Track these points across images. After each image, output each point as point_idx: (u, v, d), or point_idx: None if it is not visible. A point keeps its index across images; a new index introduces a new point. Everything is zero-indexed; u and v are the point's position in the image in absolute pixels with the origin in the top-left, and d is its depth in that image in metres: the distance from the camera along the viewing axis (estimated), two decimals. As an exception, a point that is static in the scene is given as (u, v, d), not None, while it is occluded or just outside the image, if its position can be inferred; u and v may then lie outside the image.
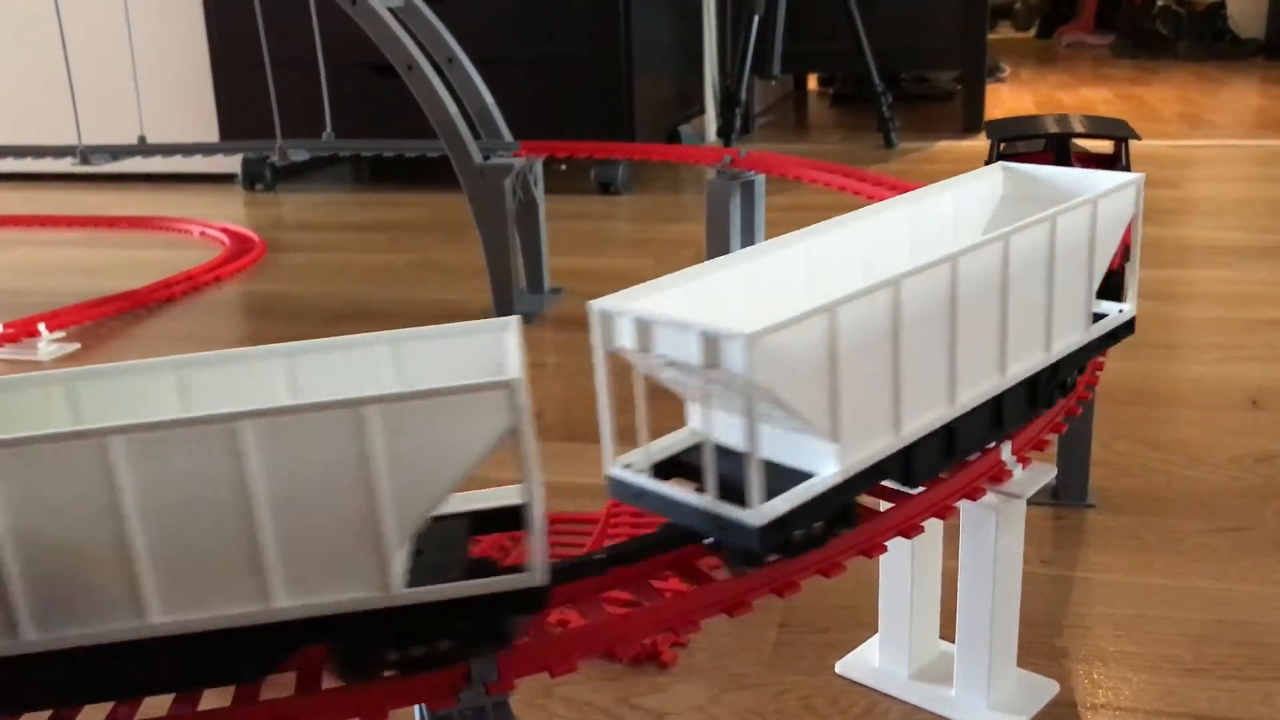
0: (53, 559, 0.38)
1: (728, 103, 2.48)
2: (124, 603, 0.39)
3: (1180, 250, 1.49)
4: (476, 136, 1.33)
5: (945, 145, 2.49)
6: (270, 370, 0.46)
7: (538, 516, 0.41)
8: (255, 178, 2.26)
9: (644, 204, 1.97)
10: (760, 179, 1.18)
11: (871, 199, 1.05)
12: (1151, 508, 0.81)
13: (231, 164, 2.33)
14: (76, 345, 1.25)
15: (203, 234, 1.85)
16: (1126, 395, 1.00)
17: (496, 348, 0.47)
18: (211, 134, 2.25)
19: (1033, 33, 6.00)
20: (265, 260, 1.65)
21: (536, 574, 0.41)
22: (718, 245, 1.19)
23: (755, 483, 0.43)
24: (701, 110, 2.60)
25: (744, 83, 2.48)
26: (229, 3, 2.12)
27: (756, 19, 2.47)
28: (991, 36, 3.74)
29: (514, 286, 1.29)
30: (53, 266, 1.66)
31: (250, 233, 1.80)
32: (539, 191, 1.36)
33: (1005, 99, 3.46)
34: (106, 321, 1.34)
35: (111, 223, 1.93)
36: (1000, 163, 0.64)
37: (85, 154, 1.36)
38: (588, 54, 2.02)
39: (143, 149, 1.38)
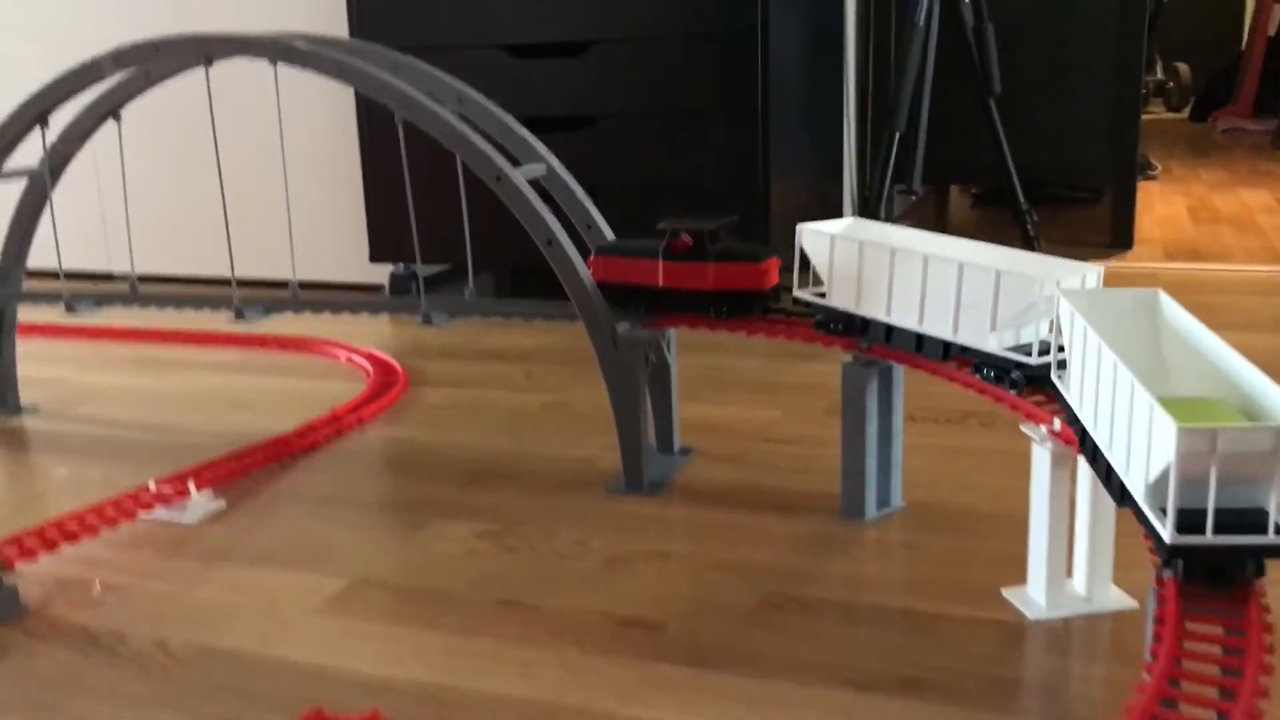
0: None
1: (865, 218, 2.46)
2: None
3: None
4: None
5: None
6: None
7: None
8: (401, 291, 2.33)
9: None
10: (900, 368, 1.16)
11: (1015, 407, 1.02)
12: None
13: (379, 274, 2.41)
14: (222, 503, 1.30)
15: (349, 360, 1.90)
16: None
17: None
18: (362, 249, 2.34)
19: (1186, 114, 5.82)
20: (406, 395, 1.69)
21: None
22: (854, 434, 1.17)
23: None
24: (839, 224, 2.59)
25: (883, 199, 2.46)
26: (381, 129, 2.20)
27: (898, 135, 2.45)
28: (1143, 117, 3.62)
29: (644, 448, 1.29)
30: (207, 396, 1.73)
31: (393, 361, 1.85)
32: (672, 356, 1.36)
33: (1156, 202, 3.35)
34: (253, 473, 1.39)
35: (264, 343, 2.00)
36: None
37: (240, 310, 1.42)
38: (725, 174, 2.03)
39: (294, 304, 1.44)
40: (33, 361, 1.95)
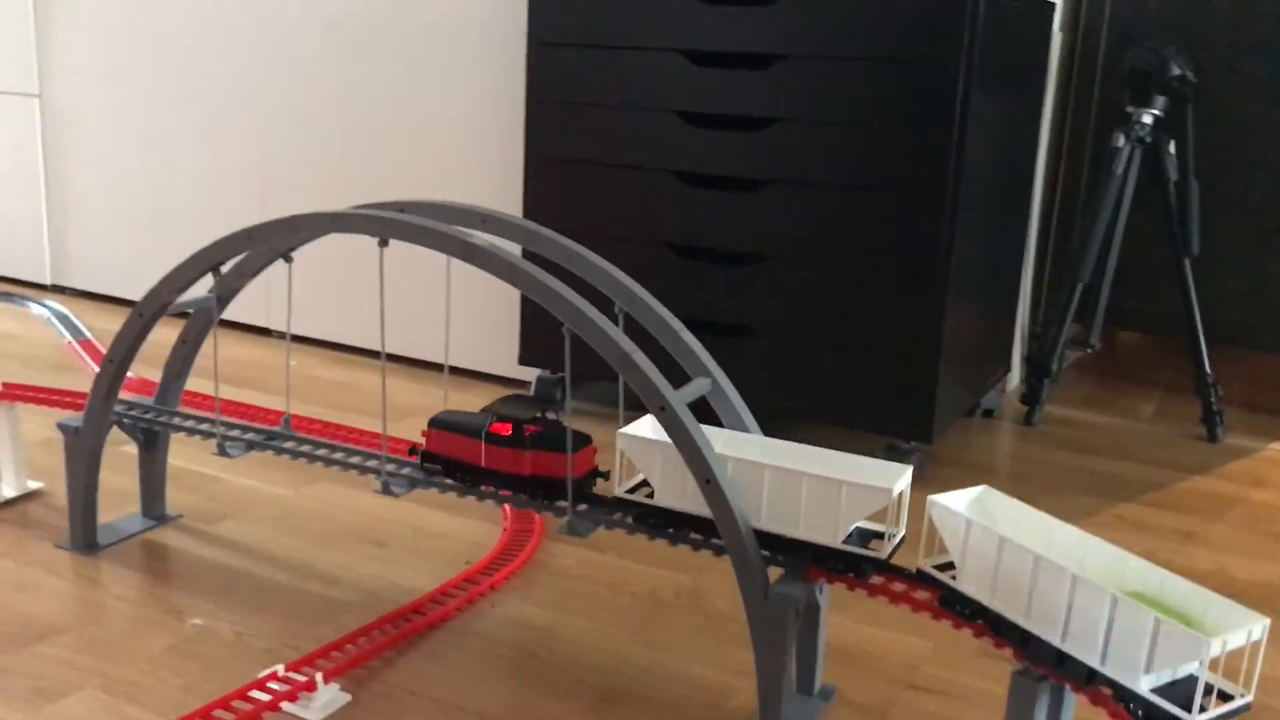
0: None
1: (1036, 372, 2.33)
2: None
3: None
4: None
5: (1279, 450, 2.24)
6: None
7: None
8: (545, 397, 2.30)
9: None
10: (1073, 695, 1.07)
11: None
12: None
13: (526, 374, 2.40)
14: (348, 697, 1.27)
15: (486, 490, 1.88)
16: None
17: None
18: (512, 342, 2.32)
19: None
20: (539, 554, 1.66)
21: None
22: (1011, 749, 1.08)
23: None
24: (1007, 369, 2.47)
25: (1057, 354, 2.33)
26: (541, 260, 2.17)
27: (1080, 287, 2.32)
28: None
29: (783, 705, 1.23)
30: (346, 525, 1.72)
31: (530, 500, 1.82)
32: (824, 598, 1.29)
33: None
34: (382, 653, 1.37)
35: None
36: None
37: (387, 485, 1.40)
38: (894, 323, 1.94)
39: (440, 485, 1.41)
40: (188, 447, 1.97)
